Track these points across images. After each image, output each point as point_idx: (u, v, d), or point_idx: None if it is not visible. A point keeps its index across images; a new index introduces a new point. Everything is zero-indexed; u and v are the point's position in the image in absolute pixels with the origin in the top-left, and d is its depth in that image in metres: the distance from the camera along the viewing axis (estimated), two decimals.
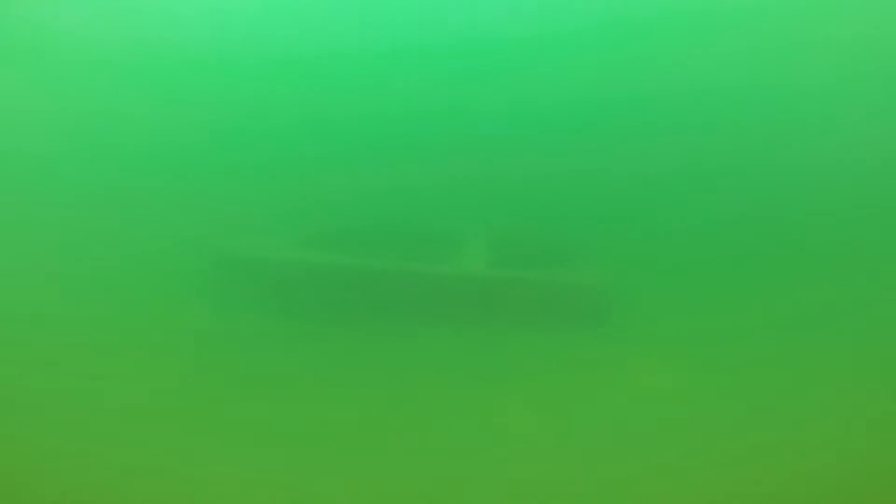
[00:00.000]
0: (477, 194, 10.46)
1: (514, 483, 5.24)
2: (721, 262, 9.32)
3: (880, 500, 5.03)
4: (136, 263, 9.19)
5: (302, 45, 12.25)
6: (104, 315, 7.96)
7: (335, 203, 10.42)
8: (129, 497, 4.92)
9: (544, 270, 8.31)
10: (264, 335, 7.73)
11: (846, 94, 10.97)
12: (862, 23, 11.47)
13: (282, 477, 5.24)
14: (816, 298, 8.59)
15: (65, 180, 10.70)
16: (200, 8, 12.48)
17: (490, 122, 11.41)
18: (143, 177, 10.81)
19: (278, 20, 12.46)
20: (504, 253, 9.21)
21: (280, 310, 8.35)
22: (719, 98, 11.18)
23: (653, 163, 10.76)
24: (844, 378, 6.94)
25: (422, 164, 10.95)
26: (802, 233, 9.70)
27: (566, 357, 7.40)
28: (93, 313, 7.98)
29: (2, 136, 11.28)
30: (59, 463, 5.28)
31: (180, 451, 5.49)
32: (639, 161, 10.79)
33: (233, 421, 6.00)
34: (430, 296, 8.20)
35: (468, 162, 10.92)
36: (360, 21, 12.28)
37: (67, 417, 5.89)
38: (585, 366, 7.21)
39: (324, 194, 10.57)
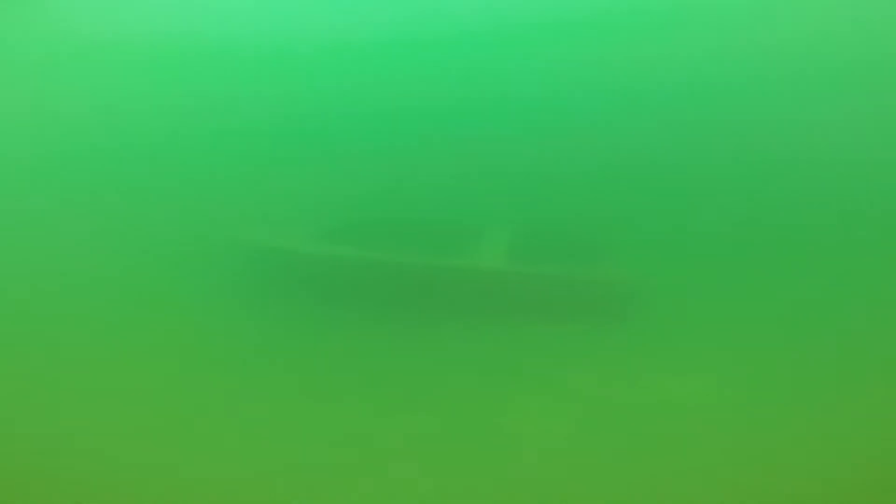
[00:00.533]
0: (500, 189, 10.38)
1: (531, 477, 5.18)
2: (748, 261, 9.16)
3: None
4: (157, 260, 9.24)
5: (321, 37, 12.24)
6: (112, 310, 8.02)
7: (356, 197, 10.40)
8: (143, 496, 4.93)
9: (567, 266, 8.24)
10: (280, 329, 7.73)
11: (863, 90, 10.73)
12: (858, 19, 11.24)
13: (301, 476, 5.22)
14: (849, 302, 8.37)
15: (73, 178, 10.81)
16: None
17: (513, 116, 11.32)
18: (157, 171, 10.87)
19: (304, 12, 12.47)
20: (527, 248, 9.15)
21: (298, 304, 8.35)
22: (752, 91, 10.97)
23: (677, 158, 10.59)
24: (879, 382, 6.74)
25: (444, 158, 10.89)
26: (839, 234, 9.46)
27: (588, 353, 7.33)
28: (100, 308, 8.04)
29: (19, 136, 11.42)
30: (83, 459, 5.32)
31: (192, 449, 5.49)
32: (663, 156, 10.63)
33: (250, 418, 6.00)
34: (451, 290, 8.16)
35: (491, 156, 10.84)
36: (388, 10, 12.25)
37: (81, 414, 5.96)
38: (607, 362, 7.13)
39: (344, 188, 10.55)
